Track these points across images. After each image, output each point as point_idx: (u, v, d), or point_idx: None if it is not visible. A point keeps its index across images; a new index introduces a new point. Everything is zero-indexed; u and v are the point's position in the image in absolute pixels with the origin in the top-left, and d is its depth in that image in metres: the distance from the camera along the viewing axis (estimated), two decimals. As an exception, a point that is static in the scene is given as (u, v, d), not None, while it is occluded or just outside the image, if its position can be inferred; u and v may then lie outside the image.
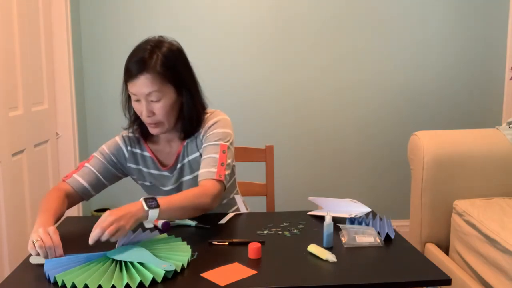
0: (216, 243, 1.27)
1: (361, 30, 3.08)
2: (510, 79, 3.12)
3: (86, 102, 3.00)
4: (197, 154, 1.55)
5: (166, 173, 1.58)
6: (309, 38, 3.06)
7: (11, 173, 2.08)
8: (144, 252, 1.17)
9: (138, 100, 1.44)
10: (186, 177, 1.57)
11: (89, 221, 1.73)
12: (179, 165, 1.56)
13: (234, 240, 1.28)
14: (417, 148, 2.27)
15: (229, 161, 1.50)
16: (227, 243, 1.27)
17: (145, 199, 1.28)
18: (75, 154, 2.77)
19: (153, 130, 1.48)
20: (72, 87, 2.73)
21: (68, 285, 1.03)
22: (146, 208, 1.26)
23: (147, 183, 1.62)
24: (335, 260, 1.16)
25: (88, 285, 1.02)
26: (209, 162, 1.46)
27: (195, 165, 1.55)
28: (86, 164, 1.57)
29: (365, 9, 3.06)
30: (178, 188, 1.57)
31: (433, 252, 2.19)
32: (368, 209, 1.47)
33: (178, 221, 1.44)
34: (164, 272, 1.06)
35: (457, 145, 2.25)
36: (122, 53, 3.21)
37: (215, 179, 1.43)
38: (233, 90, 3.04)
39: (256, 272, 1.10)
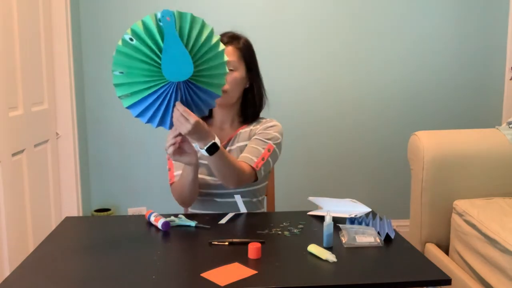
0: (216, 243, 1.27)
1: (361, 30, 3.08)
2: (510, 79, 3.12)
3: (86, 102, 3.00)
4: (246, 143, 1.68)
5: None
6: (309, 38, 3.06)
7: (11, 173, 2.07)
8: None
9: None
10: None
11: (89, 221, 1.73)
12: (227, 148, 1.67)
13: (234, 240, 1.28)
14: (417, 148, 2.27)
15: (269, 159, 1.65)
16: (227, 243, 1.27)
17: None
18: (75, 154, 2.77)
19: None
20: (72, 87, 2.73)
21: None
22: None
23: None
24: (335, 260, 1.16)
25: None
26: (253, 151, 1.63)
27: (239, 152, 1.66)
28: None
29: (364, 9, 3.06)
30: None
31: (433, 252, 2.19)
32: (368, 209, 1.47)
33: (178, 221, 1.44)
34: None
35: (457, 145, 2.25)
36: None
37: (252, 166, 1.59)
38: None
39: (256, 272, 1.10)
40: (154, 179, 3.06)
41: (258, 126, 1.71)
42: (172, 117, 1.34)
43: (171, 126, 1.36)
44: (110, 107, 3.00)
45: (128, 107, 1.32)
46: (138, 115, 1.33)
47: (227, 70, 1.37)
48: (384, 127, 3.17)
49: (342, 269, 1.14)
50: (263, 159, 1.62)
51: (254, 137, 1.68)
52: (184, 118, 1.32)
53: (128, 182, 3.09)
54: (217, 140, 1.41)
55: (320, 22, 3.05)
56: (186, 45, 1.27)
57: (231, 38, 1.67)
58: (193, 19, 1.28)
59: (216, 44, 1.33)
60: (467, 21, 3.13)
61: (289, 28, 3.03)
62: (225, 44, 1.61)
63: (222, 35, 1.66)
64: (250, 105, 1.73)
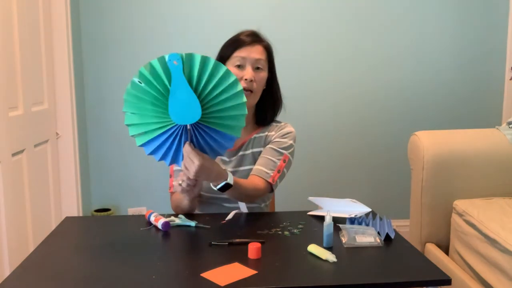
0: (216, 243, 1.27)
1: (360, 30, 3.08)
2: (510, 79, 3.12)
3: (86, 102, 3.00)
4: (261, 149, 1.66)
5: (225, 158, 1.64)
6: (308, 39, 3.06)
7: (11, 173, 2.07)
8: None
9: (239, 66, 1.57)
10: (246, 167, 1.63)
11: (89, 221, 1.73)
12: (240, 153, 1.64)
13: (234, 240, 1.28)
14: (417, 148, 2.27)
15: (284, 170, 1.64)
16: (227, 243, 1.27)
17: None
18: (75, 154, 2.77)
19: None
20: (72, 87, 2.73)
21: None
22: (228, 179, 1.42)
23: None
24: (335, 260, 1.16)
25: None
26: (268, 163, 1.60)
27: (253, 159, 1.64)
28: (175, 168, 1.66)
29: (364, 9, 3.06)
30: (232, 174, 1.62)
31: (433, 252, 2.19)
32: (368, 209, 1.47)
33: (178, 221, 1.44)
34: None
35: (457, 145, 2.25)
36: (122, 53, 3.20)
37: (268, 181, 1.57)
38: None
39: (256, 272, 1.10)
40: (154, 179, 3.06)
41: (273, 133, 1.68)
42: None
43: None
44: (110, 107, 3.00)
45: (141, 145, 1.31)
46: (151, 153, 1.33)
47: (246, 111, 1.31)
48: (384, 127, 3.17)
49: (342, 269, 1.14)
50: (279, 171, 1.60)
51: (269, 145, 1.64)
52: (190, 160, 1.30)
53: (128, 182, 3.09)
54: (229, 179, 1.40)
55: (320, 23, 3.05)
56: (196, 88, 1.24)
57: (256, 36, 1.63)
58: (204, 60, 1.25)
59: (233, 85, 1.28)
60: (468, 21, 3.13)
61: (288, 28, 3.03)
62: (251, 43, 1.60)
63: (241, 34, 1.63)
64: (268, 108, 1.69)
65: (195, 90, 1.24)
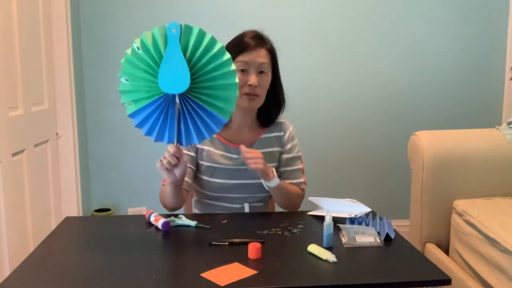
0: (216, 243, 1.27)
1: (360, 30, 3.08)
2: (510, 79, 3.12)
3: (86, 102, 3.00)
4: (276, 149, 1.69)
5: (233, 156, 1.64)
6: (307, 38, 3.06)
7: (11, 173, 2.07)
8: None
9: (243, 71, 1.57)
10: None
11: (89, 221, 1.73)
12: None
13: (234, 240, 1.28)
14: (417, 148, 2.27)
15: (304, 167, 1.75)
16: (227, 243, 1.27)
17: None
18: (75, 154, 2.77)
19: (249, 103, 1.59)
20: (72, 87, 2.73)
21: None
22: (275, 174, 1.55)
23: (208, 164, 1.65)
24: (335, 260, 1.16)
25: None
26: (296, 174, 1.71)
27: (268, 158, 1.63)
28: None
29: (364, 8, 3.06)
30: (238, 171, 1.63)
31: (433, 252, 2.19)
32: (368, 209, 1.47)
33: (178, 221, 1.44)
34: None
35: (457, 145, 2.25)
36: (123, 53, 3.19)
37: (302, 188, 1.71)
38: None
39: (256, 272, 1.10)
40: (154, 179, 3.06)
41: (282, 133, 1.72)
42: (170, 131, 1.32)
43: (169, 140, 1.34)
44: (110, 107, 3.00)
45: (130, 116, 1.32)
46: (138, 125, 1.32)
47: (237, 93, 1.31)
48: (384, 127, 3.17)
49: (342, 269, 1.14)
50: (303, 172, 1.73)
51: (285, 156, 1.70)
52: (254, 158, 1.46)
53: (128, 182, 3.09)
54: (274, 180, 1.54)
55: (319, 22, 3.05)
56: (189, 60, 1.25)
57: (260, 39, 1.61)
58: (201, 34, 1.26)
59: (226, 63, 1.28)
60: (468, 21, 3.13)
61: (288, 28, 3.03)
62: (255, 47, 1.57)
63: (245, 36, 1.60)
64: (272, 108, 1.70)
65: (188, 62, 1.25)
